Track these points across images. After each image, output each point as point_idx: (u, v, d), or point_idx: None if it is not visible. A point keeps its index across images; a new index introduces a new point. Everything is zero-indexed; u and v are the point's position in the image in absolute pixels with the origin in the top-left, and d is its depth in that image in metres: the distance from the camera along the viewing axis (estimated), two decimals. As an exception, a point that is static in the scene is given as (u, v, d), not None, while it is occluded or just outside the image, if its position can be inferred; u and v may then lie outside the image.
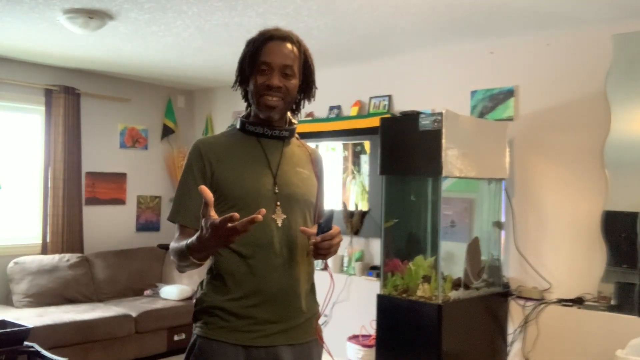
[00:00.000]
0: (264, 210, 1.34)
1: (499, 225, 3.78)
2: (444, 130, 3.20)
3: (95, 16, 3.58)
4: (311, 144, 4.43)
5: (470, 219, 3.89)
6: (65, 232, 5.10)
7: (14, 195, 5.05)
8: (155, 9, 3.48)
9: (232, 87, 1.77)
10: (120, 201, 5.68)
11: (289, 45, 1.65)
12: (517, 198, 3.81)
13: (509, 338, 3.70)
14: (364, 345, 4.11)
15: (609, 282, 3.35)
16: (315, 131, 4.75)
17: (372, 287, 4.14)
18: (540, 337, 3.57)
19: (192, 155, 1.67)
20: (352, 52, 4.40)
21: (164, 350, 4.82)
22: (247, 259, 1.60)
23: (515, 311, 3.69)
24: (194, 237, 1.45)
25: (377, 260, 4.27)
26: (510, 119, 3.83)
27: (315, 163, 1.80)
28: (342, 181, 4.90)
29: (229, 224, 1.31)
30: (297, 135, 1.81)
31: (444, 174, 3.22)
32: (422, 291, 3.35)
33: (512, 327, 3.70)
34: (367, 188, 4.68)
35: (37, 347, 3.12)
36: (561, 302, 3.48)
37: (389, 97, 4.53)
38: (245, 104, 1.80)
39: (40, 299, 4.64)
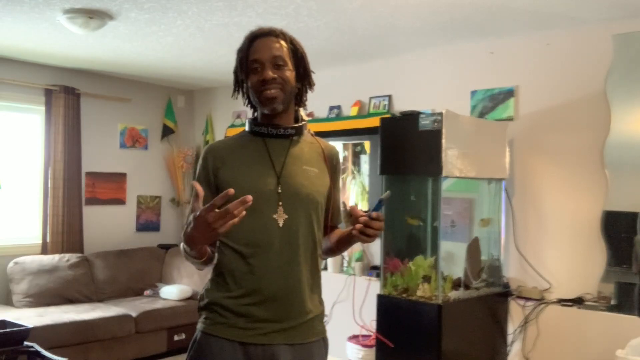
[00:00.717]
0: (250, 197, 1.36)
1: (486, 223, 3.77)
2: (444, 130, 3.20)
3: (95, 16, 3.58)
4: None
5: (470, 219, 3.89)
6: (65, 232, 5.10)
7: (14, 195, 5.05)
8: (155, 9, 3.48)
9: (232, 96, 1.79)
10: (120, 201, 5.68)
11: (273, 39, 1.68)
12: (517, 198, 3.81)
13: (509, 338, 3.70)
14: (364, 345, 4.11)
15: (609, 282, 3.34)
16: (315, 131, 4.72)
17: (372, 287, 4.14)
18: (540, 337, 3.57)
19: (200, 161, 1.72)
20: (352, 52, 4.40)
21: (164, 350, 4.82)
22: (247, 259, 1.60)
23: (515, 311, 3.69)
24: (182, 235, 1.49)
25: (377, 260, 4.27)
26: (510, 119, 3.83)
27: (328, 159, 1.78)
28: (342, 181, 4.90)
29: (217, 210, 1.35)
30: (311, 132, 1.81)
31: (444, 174, 3.22)
32: (422, 291, 3.35)
33: (512, 327, 3.70)
34: (367, 188, 4.68)
35: (37, 347, 3.12)
36: (561, 302, 3.47)
37: (389, 97, 4.53)
38: (247, 106, 1.81)
39: (40, 299, 4.64)
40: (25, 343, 3.13)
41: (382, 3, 3.26)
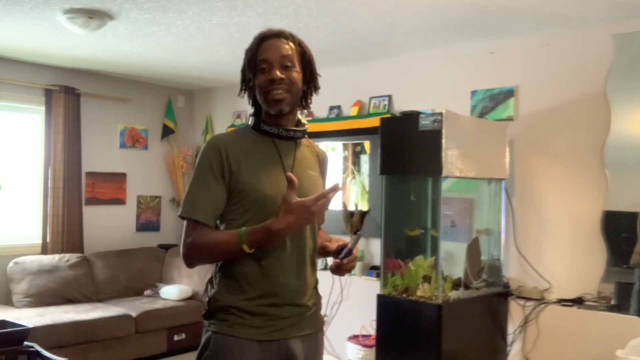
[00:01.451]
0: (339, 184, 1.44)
1: (487, 233, 3.77)
2: (444, 130, 3.20)
3: (95, 16, 3.58)
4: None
5: (470, 219, 3.89)
6: (65, 232, 5.10)
7: (14, 195, 5.05)
8: (155, 9, 3.48)
9: (239, 95, 1.80)
10: (120, 201, 5.68)
11: (283, 40, 1.70)
12: (517, 198, 3.81)
13: (509, 338, 3.70)
14: (364, 345, 4.11)
15: (609, 282, 3.34)
16: (315, 131, 4.75)
17: (372, 287, 4.14)
18: (540, 337, 3.57)
19: (209, 152, 1.66)
20: (352, 52, 4.40)
21: (164, 350, 4.82)
22: (261, 261, 1.64)
23: (515, 311, 3.69)
24: (257, 227, 1.55)
25: (377, 260, 4.27)
26: (510, 119, 3.83)
27: (321, 163, 1.86)
28: (342, 181, 4.90)
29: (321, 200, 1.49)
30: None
31: (444, 174, 3.22)
32: (422, 291, 3.35)
33: (512, 327, 3.70)
34: (367, 188, 4.68)
35: (37, 347, 3.12)
36: (561, 302, 3.47)
37: (389, 97, 4.53)
38: (247, 103, 1.82)
39: (40, 299, 4.64)
40: (25, 343, 3.13)
41: (382, 3, 3.26)
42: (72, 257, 4.97)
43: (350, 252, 1.67)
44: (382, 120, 3.63)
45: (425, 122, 3.29)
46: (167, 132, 6.00)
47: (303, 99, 1.77)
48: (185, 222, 1.64)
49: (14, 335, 3.11)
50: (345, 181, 4.89)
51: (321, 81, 1.81)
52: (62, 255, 4.97)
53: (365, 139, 4.65)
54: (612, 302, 3.28)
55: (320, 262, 4.76)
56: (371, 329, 4.09)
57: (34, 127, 5.16)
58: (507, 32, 3.78)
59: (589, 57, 3.53)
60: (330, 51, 4.34)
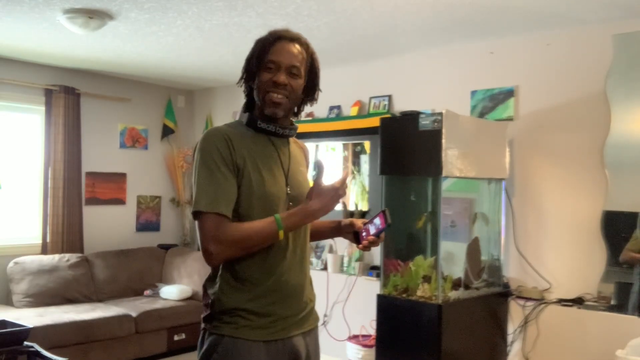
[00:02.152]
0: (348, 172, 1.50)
1: (484, 218, 3.77)
2: (444, 130, 3.20)
3: (95, 16, 3.58)
4: (311, 144, 4.44)
5: (470, 219, 3.89)
6: (65, 232, 5.10)
7: (14, 195, 5.05)
8: (155, 9, 3.48)
9: (237, 83, 1.79)
10: (120, 201, 5.68)
11: (297, 47, 1.69)
12: (517, 198, 3.81)
13: (509, 338, 3.70)
14: (364, 345, 4.11)
15: (609, 282, 3.35)
16: (315, 131, 4.75)
17: (372, 287, 4.14)
18: (540, 337, 3.57)
19: (217, 143, 1.61)
20: (352, 52, 4.40)
21: (164, 350, 4.82)
22: (265, 260, 1.65)
23: (515, 311, 3.69)
24: (291, 211, 1.62)
25: (377, 260, 4.26)
26: (510, 119, 3.83)
27: (306, 158, 1.92)
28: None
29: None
30: None
31: (444, 174, 3.22)
32: (422, 291, 3.35)
33: (512, 327, 3.70)
34: (367, 188, 4.68)
35: (37, 347, 3.11)
36: (561, 302, 3.47)
37: (389, 97, 4.53)
38: (245, 96, 1.82)
39: (40, 299, 4.64)
40: (25, 343, 3.12)
41: (382, 3, 3.26)
42: (72, 257, 4.97)
43: (383, 228, 1.72)
44: (382, 120, 3.63)
45: (425, 122, 3.29)
46: (167, 132, 6.00)
47: (297, 107, 1.78)
48: (203, 216, 1.56)
49: (14, 335, 3.10)
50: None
51: (321, 81, 1.81)
52: (62, 255, 4.97)
53: (365, 139, 4.65)
54: (612, 302, 3.28)
55: (320, 262, 4.78)
56: (371, 329, 4.09)
57: (34, 127, 5.16)
58: (507, 32, 3.78)
59: (589, 57, 3.53)
60: (330, 51, 4.34)
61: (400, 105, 4.39)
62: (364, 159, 4.75)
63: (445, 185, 3.37)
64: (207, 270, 1.73)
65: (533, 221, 3.74)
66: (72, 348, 4.16)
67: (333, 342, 4.50)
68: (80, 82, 5.32)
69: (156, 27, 3.86)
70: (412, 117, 3.38)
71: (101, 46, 4.42)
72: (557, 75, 3.68)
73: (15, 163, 5.05)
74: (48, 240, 5.06)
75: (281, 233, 1.59)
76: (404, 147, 3.46)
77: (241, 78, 1.76)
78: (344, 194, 1.64)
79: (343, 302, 4.54)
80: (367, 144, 4.69)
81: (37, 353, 3.06)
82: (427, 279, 3.40)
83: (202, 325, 1.71)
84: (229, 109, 5.79)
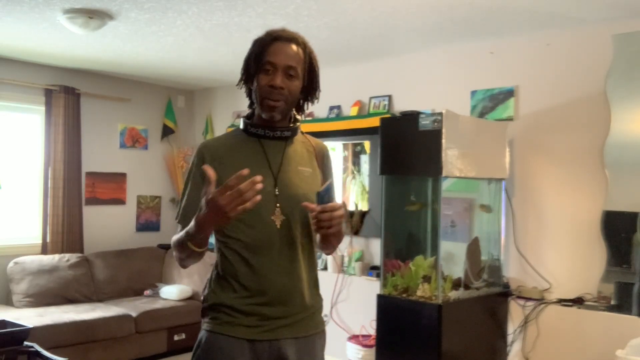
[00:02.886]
0: (260, 177, 1.41)
1: (487, 209, 3.77)
2: (444, 130, 3.20)
3: (95, 16, 3.58)
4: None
5: (470, 219, 3.89)
6: (65, 232, 5.10)
7: (14, 195, 5.05)
8: (155, 9, 3.48)
9: (237, 85, 1.79)
10: (120, 201, 5.68)
11: (294, 47, 1.68)
12: (517, 198, 3.81)
13: (509, 338, 3.70)
14: (364, 345, 4.11)
15: (609, 282, 3.34)
16: (315, 131, 4.74)
17: (372, 287, 4.14)
18: (540, 337, 3.57)
19: (194, 160, 1.72)
20: (352, 52, 4.40)
21: (164, 350, 4.82)
22: (249, 260, 1.64)
23: (515, 311, 3.69)
24: (193, 221, 1.52)
25: (377, 260, 4.27)
26: (510, 119, 3.83)
27: (319, 157, 1.81)
28: (342, 181, 4.90)
29: (228, 192, 1.40)
30: (301, 130, 1.82)
31: (444, 174, 3.22)
32: (422, 291, 3.35)
33: (512, 327, 3.70)
34: (367, 188, 4.68)
35: (37, 347, 3.12)
36: (561, 302, 3.48)
37: (389, 97, 4.53)
38: (247, 104, 1.82)
39: (40, 299, 4.64)
40: (25, 343, 3.13)
41: (382, 3, 3.26)
42: (72, 257, 4.97)
43: (322, 198, 1.56)
44: (382, 120, 3.63)
45: (425, 122, 3.29)
46: (167, 132, 6.00)
47: (298, 105, 1.76)
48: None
49: (14, 335, 3.11)
50: (345, 181, 4.89)
51: (321, 81, 1.80)
52: (62, 255, 4.97)
53: (365, 139, 4.65)
54: (612, 302, 3.28)
55: (320, 263, 4.78)
56: (371, 329, 4.09)
57: (34, 127, 5.16)
58: (507, 32, 3.78)
59: (589, 57, 3.53)
60: (330, 51, 4.34)
61: (400, 105, 4.39)
62: (364, 159, 4.75)
63: (445, 185, 3.37)
64: (206, 270, 1.75)
65: (533, 221, 3.74)
66: (72, 348, 4.16)
67: (333, 342, 4.50)
68: (80, 82, 5.32)
69: (156, 27, 3.86)
70: (412, 117, 3.38)
71: (101, 46, 4.42)
72: (557, 75, 3.68)
73: (15, 163, 5.05)
74: (48, 240, 5.06)
75: (189, 244, 1.56)
76: (404, 147, 3.46)
77: (240, 79, 1.76)
78: (227, 205, 1.40)
79: (343, 302, 4.54)
80: (367, 144, 4.69)
81: (37, 353, 3.06)
82: (427, 279, 3.40)
83: None
84: (229, 109, 5.79)
